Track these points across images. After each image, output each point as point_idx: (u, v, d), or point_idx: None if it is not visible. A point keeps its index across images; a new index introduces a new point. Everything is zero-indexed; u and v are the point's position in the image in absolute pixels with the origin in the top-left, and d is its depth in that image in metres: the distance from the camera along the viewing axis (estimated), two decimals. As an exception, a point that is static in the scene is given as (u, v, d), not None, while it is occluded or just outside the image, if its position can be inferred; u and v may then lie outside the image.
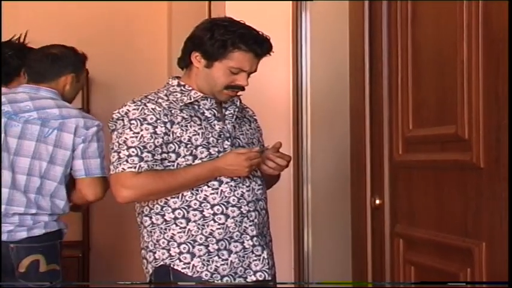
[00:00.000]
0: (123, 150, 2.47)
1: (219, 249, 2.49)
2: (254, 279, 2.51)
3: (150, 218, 2.54)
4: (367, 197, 2.73)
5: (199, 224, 2.49)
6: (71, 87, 3.05)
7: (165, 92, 2.57)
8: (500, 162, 1.98)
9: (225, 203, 2.50)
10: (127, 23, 5.25)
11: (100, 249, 4.79)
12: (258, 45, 2.55)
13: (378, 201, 2.66)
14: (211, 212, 2.49)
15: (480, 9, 2.07)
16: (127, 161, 2.46)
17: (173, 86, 2.59)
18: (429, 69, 2.37)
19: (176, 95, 2.56)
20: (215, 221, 2.49)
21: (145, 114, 2.48)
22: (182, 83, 2.59)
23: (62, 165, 2.88)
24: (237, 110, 2.61)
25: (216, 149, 2.51)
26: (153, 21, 5.27)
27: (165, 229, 2.51)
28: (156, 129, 2.47)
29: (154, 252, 2.51)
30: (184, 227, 2.49)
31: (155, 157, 2.47)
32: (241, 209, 2.51)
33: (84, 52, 3.19)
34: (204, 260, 2.47)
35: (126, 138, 2.47)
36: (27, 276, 2.82)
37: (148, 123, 2.47)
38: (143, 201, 2.55)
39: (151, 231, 2.53)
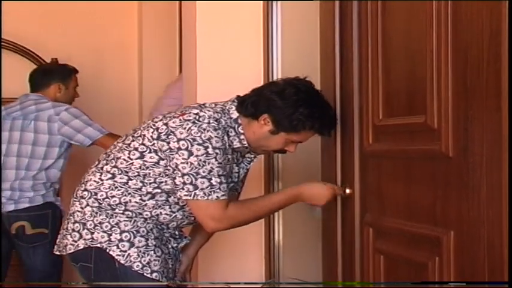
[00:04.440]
0: (215, 177, 2.41)
1: (155, 245, 2.53)
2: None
3: (100, 203, 2.52)
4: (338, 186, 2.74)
5: (145, 218, 2.53)
6: (61, 94, 3.95)
7: (224, 122, 2.48)
8: (468, 151, 2.00)
9: (172, 213, 2.57)
10: (98, 14, 5.23)
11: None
12: (330, 129, 2.55)
13: (348, 191, 2.67)
14: (158, 211, 2.55)
15: (449, 1, 2.08)
16: (219, 189, 2.42)
17: (232, 118, 2.51)
18: (399, 59, 2.38)
19: (231, 132, 2.50)
20: (159, 220, 2.55)
21: (225, 147, 2.45)
22: (240, 122, 2.52)
23: (43, 146, 3.70)
24: (256, 157, 2.64)
25: None
26: (123, 12, 5.26)
27: (112, 215, 2.52)
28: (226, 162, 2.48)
29: (93, 233, 2.51)
30: (131, 217, 2.52)
31: None
32: (178, 221, 2.60)
33: (75, 67, 4.05)
34: (140, 251, 2.50)
35: (212, 167, 2.41)
36: (17, 236, 3.75)
37: (226, 154, 2.46)
38: (101, 186, 2.52)
39: (96, 212, 2.52)
